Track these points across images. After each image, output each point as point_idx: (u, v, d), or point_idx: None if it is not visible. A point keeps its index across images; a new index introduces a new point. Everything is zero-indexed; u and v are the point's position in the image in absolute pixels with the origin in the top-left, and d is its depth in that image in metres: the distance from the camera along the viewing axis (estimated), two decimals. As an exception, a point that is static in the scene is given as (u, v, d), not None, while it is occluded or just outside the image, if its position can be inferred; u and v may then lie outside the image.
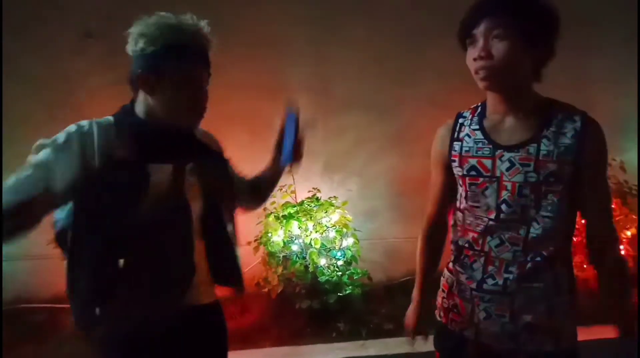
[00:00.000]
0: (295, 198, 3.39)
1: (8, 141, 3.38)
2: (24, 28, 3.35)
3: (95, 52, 3.42)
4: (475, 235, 1.34)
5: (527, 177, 1.24)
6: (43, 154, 1.28)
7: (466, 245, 1.37)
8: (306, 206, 3.25)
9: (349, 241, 3.32)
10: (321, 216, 3.23)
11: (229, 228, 1.46)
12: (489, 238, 1.31)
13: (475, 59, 1.22)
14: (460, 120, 1.42)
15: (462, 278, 1.38)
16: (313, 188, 3.45)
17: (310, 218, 3.19)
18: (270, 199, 3.27)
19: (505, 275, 1.28)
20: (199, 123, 1.40)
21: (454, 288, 1.41)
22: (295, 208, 3.21)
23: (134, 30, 1.37)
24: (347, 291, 3.17)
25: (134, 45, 1.38)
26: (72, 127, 1.32)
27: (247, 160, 3.55)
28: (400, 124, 3.81)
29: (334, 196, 3.41)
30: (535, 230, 1.26)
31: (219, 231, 1.40)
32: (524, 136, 1.26)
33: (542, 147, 1.23)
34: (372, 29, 3.70)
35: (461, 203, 1.40)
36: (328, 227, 3.26)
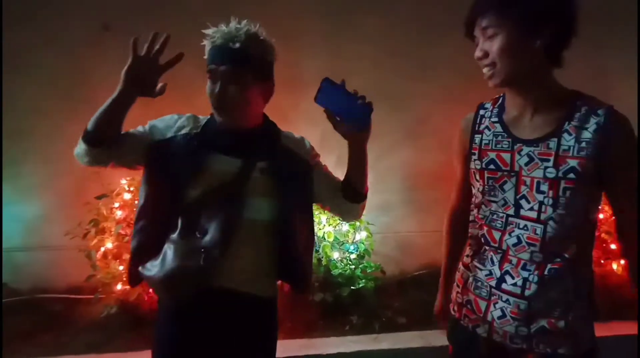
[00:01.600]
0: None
1: (22, 132, 3.44)
2: (40, 19, 3.38)
3: (112, 44, 3.44)
4: (492, 231, 1.32)
5: (546, 172, 1.21)
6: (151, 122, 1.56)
7: (482, 240, 1.35)
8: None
9: (362, 235, 3.31)
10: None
11: (303, 230, 1.53)
12: (507, 236, 1.28)
13: (478, 59, 1.26)
14: (482, 112, 1.42)
15: (481, 274, 1.35)
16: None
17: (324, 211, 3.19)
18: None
19: (524, 275, 1.25)
20: (229, 118, 1.46)
21: (469, 283, 1.40)
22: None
23: None
24: (360, 285, 3.17)
25: None
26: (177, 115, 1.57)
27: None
28: (414, 119, 3.80)
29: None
30: (552, 229, 1.21)
31: (285, 229, 1.46)
32: (545, 130, 1.23)
33: (563, 142, 1.20)
34: (387, 23, 3.68)
35: (477, 198, 1.38)
36: (341, 220, 3.26)
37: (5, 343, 2.64)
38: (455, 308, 1.47)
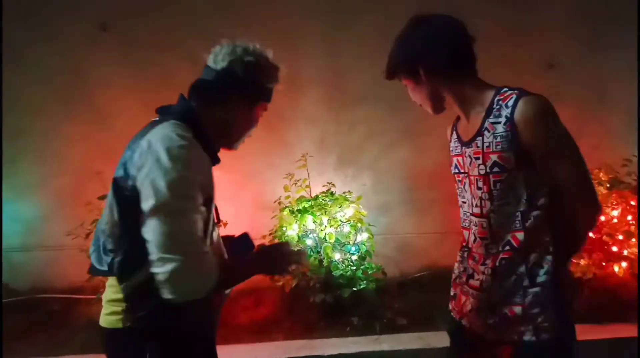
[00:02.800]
0: (310, 192, 3.39)
1: (20, 131, 3.44)
2: (38, 19, 3.39)
3: (109, 44, 3.45)
4: (464, 230, 1.45)
5: (479, 170, 1.31)
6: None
7: (462, 239, 1.48)
8: (321, 200, 3.25)
9: (363, 236, 3.31)
10: (336, 211, 3.23)
11: None
12: (470, 234, 1.40)
13: None
14: (456, 122, 1.54)
15: (459, 271, 1.49)
16: (327, 183, 3.44)
17: (325, 212, 3.19)
18: (284, 194, 3.32)
19: (482, 268, 1.35)
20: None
21: (455, 278, 1.51)
22: (309, 203, 3.21)
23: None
24: (361, 286, 3.16)
25: None
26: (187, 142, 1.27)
27: (261, 153, 3.60)
28: (412, 119, 3.78)
29: (349, 191, 3.41)
30: (495, 221, 1.31)
31: None
32: (473, 131, 1.34)
33: (485, 139, 1.30)
34: (385, 22, 3.67)
35: (459, 201, 1.50)
36: (342, 222, 3.25)
37: (5, 343, 2.64)
38: (450, 300, 1.56)
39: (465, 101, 1.37)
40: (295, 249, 1.47)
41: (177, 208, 1.16)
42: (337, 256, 3.22)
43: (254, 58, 1.42)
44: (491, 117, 1.29)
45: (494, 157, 1.27)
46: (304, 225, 3.17)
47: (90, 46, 3.44)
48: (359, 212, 3.29)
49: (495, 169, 1.27)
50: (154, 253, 1.14)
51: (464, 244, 1.47)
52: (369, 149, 3.85)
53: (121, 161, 1.25)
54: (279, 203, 3.32)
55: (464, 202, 1.44)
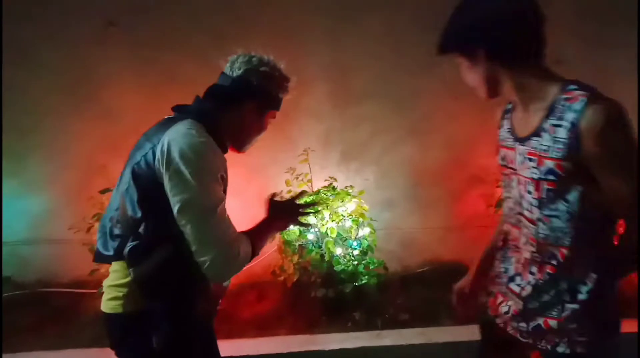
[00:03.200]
0: (312, 186, 3.40)
1: (27, 128, 3.46)
2: (43, 16, 3.39)
3: (116, 41, 3.45)
4: (511, 228, 1.36)
5: (532, 173, 1.20)
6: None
7: (509, 236, 1.39)
8: (322, 195, 3.25)
9: (365, 231, 3.31)
10: (337, 206, 3.23)
11: None
12: (521, 234, 1.30)
13: None
14: (509, 105, 1.40)
15: (501, 269, 1.42)
16: (330, 177, 3.45)
17: (327, 207, 3.19)
18: (286, 188, 3.32)
19: (526, 277, 1.29)
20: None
21: (496, 277, 1.46)
22: (311, 197, 3.21)
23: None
24: (363, 281, 3.17)
25: None
26: (207, 138, 1.38)
27: (265, 149, 3.60)
28: (417, 116, 3.79)
29: (350, 186, 3.41)
30: (542, 230, 1.22)
31: None
32: (530, 128, 1.22)
33: (542, 141, 1.17)
34: (390, 20, 3.67)
35: (503, 193, 1.42)
36: (344, 216, 3.26)
37: (10, 336, 2.67)
38: (487, 295, 1.52)
39: (525, 91, 1.22)
40: (298, 202, 1.63)
41: (210, 203, 1.28)
42: (338, 251, 3.23)
43: (268, 69, 1.54)
44: (553, 117, 1.15)
45: (549, 163, 1.15)
46: (305, 220, 3.17)
47: (96, 44, 3.44)
48: (361, 207, 3.29)
49: (550, 176, 1.16)
50: (194, 245, 1.27)
51: (510, 241, 1.38)
52: (373, 146, 3.85)
53: (139, 152, 1.34)
54: (281, 198, 3.33)
55: (509, 197, 1.34)
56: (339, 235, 3.20)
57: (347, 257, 3.26)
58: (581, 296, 1.22)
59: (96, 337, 2.72)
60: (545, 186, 1.17)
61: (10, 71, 3.35)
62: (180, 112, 1.49)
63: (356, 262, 3.24)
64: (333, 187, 3.35)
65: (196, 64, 3.54)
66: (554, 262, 1.22)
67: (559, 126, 1.13)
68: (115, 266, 1.39)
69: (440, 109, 3.77)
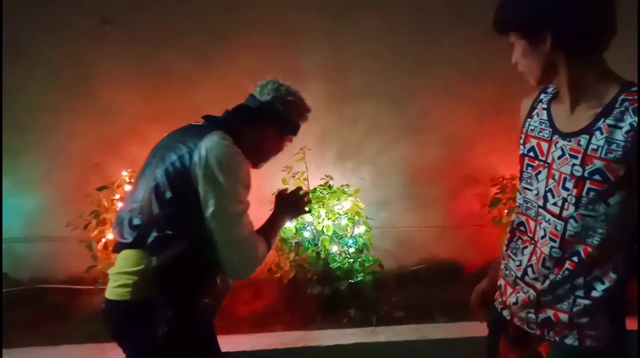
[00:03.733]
0: (308, 185, 3.41)
1: (23, 126, 3.46)
2: (40, 13, 3.38)
3: (112, 38, 3.45)
4: (527, 219, 1.34)
5: (573, 170, 1.17)
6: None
7: (521, 228, 1.37)
8: (319, 193, 3.27)
9: (360, 229, 3.33)
10: (333, 204, 3.24)
11: None
12: (538, 228, 1.28)
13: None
14: (542, 95, 1.36)
15: (512, 264, 1.38)
16: (326, 176, 3.46)
17: (323, 205, 3.21)
18: (282, 186, 3.33)
19: (543, 271, 1.26)
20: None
21: (503, 269, 1.44)
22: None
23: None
24: (359, 279, 3.19)
25: None
26: (235, 148, 1.50)
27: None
28: (414, 114, 3.80)
29: (347, 184, 3.42)
30: (572, 228, 1.19)
31: None
32: (580, 125, 1.18)
33: (593, 140, 1.13)
34: (388, 19, 3.68)
35: (520, 184, 1.39)
36: (340, 215, 3.27)
37: (6, 333, 2.67)
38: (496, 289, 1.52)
39: (582, 86, 1.18)
40: (301, 192, 1.80)
41: (239, 208, 1.44)
42: (334, 248, 3.25)
43: (294, 99, 1.71)
44: (610, 118, 1.11)
45: (598, 163, 1.12)
46: (301, 218, 3.19)
47: (92, 41, 3.44)
48: (357, 205, 3.31)
49: (596, 176, 1.12)
50: (222, 245, 1.42)
51: (523, 232, 1.36)
52: (369, 144, 3.86)
53: (173, 154, 1.45)
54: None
55: (529, 189, 1.31)
56: (334, 232, 3.22)
57: (343, 255, 3.28)
58: (595, 294, 1.21)
59: (92, 334, 2.72)
60: (588, 185, 1.14)
61: (6, 69, 3.35)
62: (212, 122, 1.60)
63: (352, 260, 3.26)
64: (329, 186, 3.37)
65: (194, 63, 3.55)
66: (576, 259, 1.20)
67: (617, 127, 1.10)
68: (126, 254, 1.45)
69: (436, 109, 3.78)
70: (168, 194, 1.40)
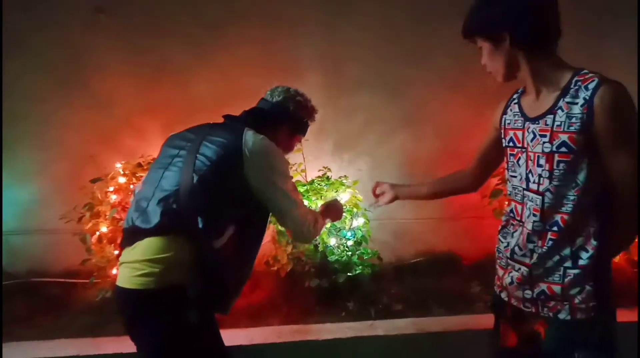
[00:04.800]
0: (306, 176, 3.38)
1: (17, 117, 3.42)
2: (35, 3, 3.34)
3: (108, 28, 3.41)
4: (515, 204, 1.48)
5: (544, 147, 1.33)
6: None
7: (511, 214, 1.51)
8: (316, 185, 3.24)
9: (359, 221, 3.31)
10: (332, 196, 3.22)
11: None
12: (525, 210, 1.43)
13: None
14: (514, 95, 1.56)
15: (501, 246, 1.54)
16: (323, 167, 3.43)
17: (321, 197, 3.18)
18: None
19: (529, 245, 1.40)
20: None
21: (500, 253, 1.57)
22: (305, 187, 3.20)
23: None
24: (357, 271, 3.17)
25: None
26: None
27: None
28: (411, 105, 3.78)
29: (345, 176, 3.40)
30: (549, 199, 1.34)
31: None
32: (544, 108, 1.35)
33: (557, 118, 1.31)
34: (384, 10, 3.65)
35: (507, 174, 1.55)
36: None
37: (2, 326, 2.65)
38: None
39: (541, 75, 1.37)
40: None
41: (296, 188, 1.72)
42: (332, 241, 3.23)
43: (303, 99, 1.89)
44: (567, 97, 1.30)
45: (563, 137, 1.29)
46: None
47: (87, 31, 3.40)
48: (355, 197, 3.29)
49: (563, 149, 1.29)
50: (290, 220, 1.69)
51: (512, 217, 1.51)
52: (366, 135, 3.84)
53: (211, 146, 1.55)
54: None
55: (514, 176, 1.48)
56: (333, 225, 3.20)
57: (341, 247, 3.26)
58: (582, 262, 1.33)
59: (87, 327, 2.71)
60: (557, 158, 1.31)
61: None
62: (239, 121, 1.73)
63: (350, 252, 3.24)
64: (327, 177, 3.34)
65: (190, 54, 3.52)
66: (555, 228, 1.35)
67: (574, 103, 1.28)
68: (150, 242, 1.45)
69: (433, 99, 3.76)
70: (216, 181, 1.49)
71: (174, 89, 3.45)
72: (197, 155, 1.53)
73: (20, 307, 2.97)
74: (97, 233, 2.98)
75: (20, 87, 3.40)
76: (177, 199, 1.46)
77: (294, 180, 1.75)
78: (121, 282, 1.47)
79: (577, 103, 1.27)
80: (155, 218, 1.45)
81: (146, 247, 1.45)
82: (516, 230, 1.47)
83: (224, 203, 1.53)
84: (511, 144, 1.48)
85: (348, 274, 3.15)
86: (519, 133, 1.44)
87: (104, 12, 3.38)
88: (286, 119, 1.85)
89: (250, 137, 1.57)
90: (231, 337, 2.62)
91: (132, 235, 1.51)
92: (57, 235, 3.33)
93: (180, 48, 3.42)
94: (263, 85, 3.14)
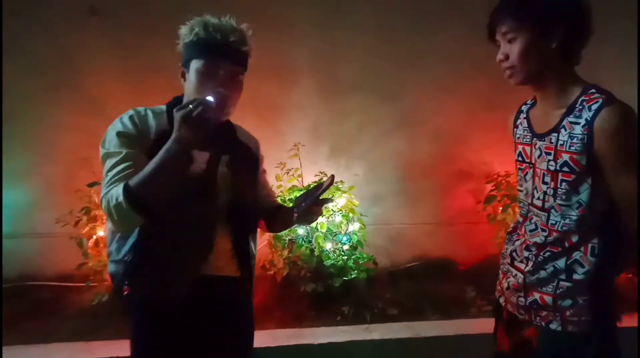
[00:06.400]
0: (302, 181, 3.39)
1: (10, 119, 3.39)
2: (26, 4, 3.32)
3: (99, 29, 3.39)
4: (522, 218, 1.50)
5: (549, 165, 1.32)
6: (118, 143, 1.40)
7: (518, 225, 1.53)
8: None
9: (355, 226, 3.31)
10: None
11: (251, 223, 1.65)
12: (527, 223, 1.44)
13: (499, 61, 1.36)
14: (523, 107, 1.53)
15: (505, 251, 1.56)
16: (320, 172, 3.44)
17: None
18: (276, 183, 3.30)
19: (525, 253, 1.42)
20: (220, 117, 1.37)
21: (503, 260, 1.58)
22: (301, 192, 3.21)
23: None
24: (352, 276, 3.17)
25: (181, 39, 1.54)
26: (129, 112, 1.49)
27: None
28: (406, 108, 3.78)
29: (341, 181, 3.40)
30: (554, 217, 1.33)
31: (241, 222, 1.55)
32: (550, 125, 1.33)
33: (560, 137, 1.29)
34: (379, 12, 3.66)
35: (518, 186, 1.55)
36: (334, 211, 3.25)
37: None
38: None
39: (557, 87, 1.33)
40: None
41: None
42: (328, 245, 3.22)
43: None
44: (571, 116, 1.27)
45: (565, 156, 1.28)
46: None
47: (79, 32, 3.38)
48: (351, 202, 3.29)
49: (565, 168, 1.28)
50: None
51: (517, 229, 1.52)
52: (361, 139, 3.84)
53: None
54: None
55: (521, 190, 1.49)
56: (328, 229, 3.20)
57: (337, 252, 3.26)
58: (576, 276, 1.32)
59: (80, 331, 2.69)
60: (560, 177, 1.30)
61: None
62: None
63: (346, 257, 3.25)
64: (323, 182, 3.34)
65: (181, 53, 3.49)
66: (556, 243, 1.34)
67: (576, 123, 1.26)
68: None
69: (428, 102, 3.77)
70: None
71: (167, 90, 3.42)
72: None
73: (12, 311, 2.93)
74: (94, 237, 2.98)
75: (12, 89, 3.36)
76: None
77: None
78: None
79: (579, 123, 1.25)
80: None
81: None
82: (519, 239, 1.49)
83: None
84: (520, 158, 1.48)
85: (344, 278, 3.15)
86: (527, 149, 1.43)
87: (98, 15, 3.36)
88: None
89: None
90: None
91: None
92: (50, 238, 3.30)
93: (173, 50, 3.40)
94: (256, 88, 3.14)
